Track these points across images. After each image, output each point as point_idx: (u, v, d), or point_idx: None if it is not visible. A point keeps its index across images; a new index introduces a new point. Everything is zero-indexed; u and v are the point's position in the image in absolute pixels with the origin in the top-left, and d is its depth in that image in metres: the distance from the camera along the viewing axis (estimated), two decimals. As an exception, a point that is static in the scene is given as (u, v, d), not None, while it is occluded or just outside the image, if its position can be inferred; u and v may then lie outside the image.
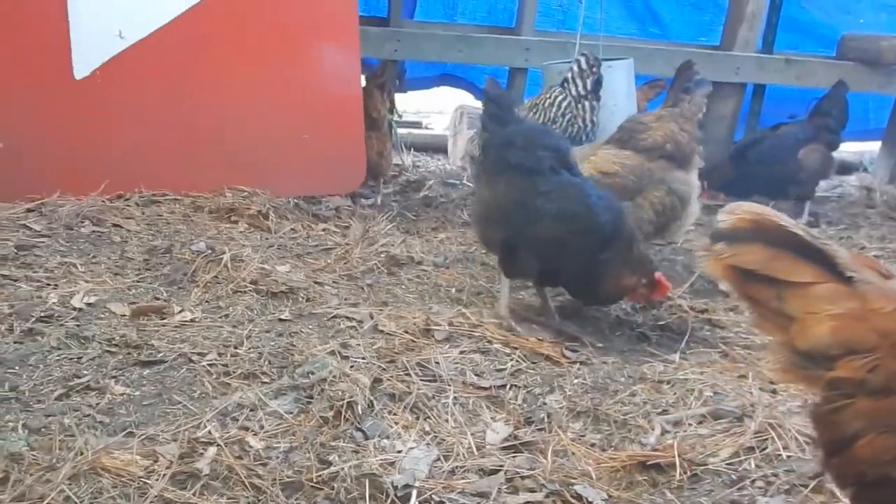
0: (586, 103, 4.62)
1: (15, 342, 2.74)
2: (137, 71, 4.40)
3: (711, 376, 2.85)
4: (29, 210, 3.97)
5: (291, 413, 2.44)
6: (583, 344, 3.17)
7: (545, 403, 2.66)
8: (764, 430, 2.40)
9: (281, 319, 3.13)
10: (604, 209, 3.21)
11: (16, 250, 3.47)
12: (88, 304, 3.08)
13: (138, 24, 4.38)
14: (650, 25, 6.61)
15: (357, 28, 4.82)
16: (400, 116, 5.90)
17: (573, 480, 2.22)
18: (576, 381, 2.82)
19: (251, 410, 2.43)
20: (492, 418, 2.55)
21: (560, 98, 4.67)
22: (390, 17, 5.93)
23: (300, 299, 3.34)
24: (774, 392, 2.76)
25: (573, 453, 2.38)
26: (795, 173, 5.51)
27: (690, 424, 2.52)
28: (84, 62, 4.33)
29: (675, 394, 2.73)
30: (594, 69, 4.57)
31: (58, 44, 4.26)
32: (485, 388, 2.72)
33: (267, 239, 4.02)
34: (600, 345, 3.18)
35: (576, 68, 4.63)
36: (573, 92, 4.62)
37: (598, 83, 4.60)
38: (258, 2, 4.60)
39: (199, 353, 2.75)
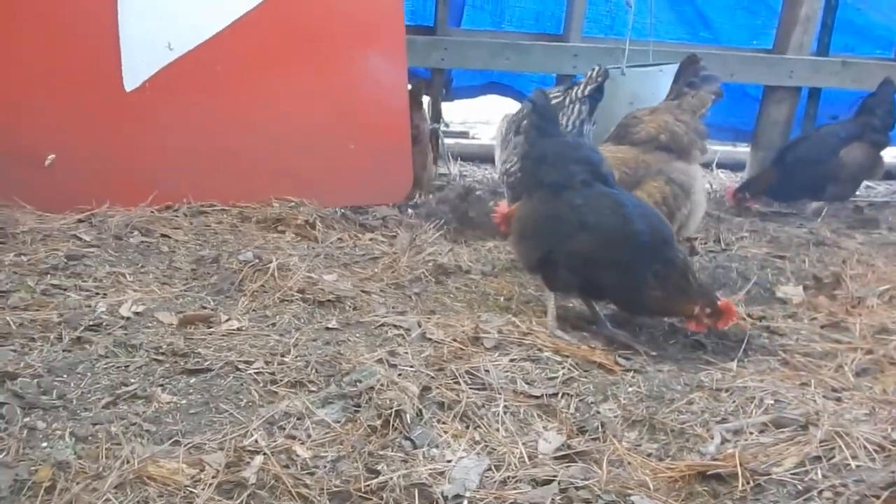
0: (577, 106, 4.45)
1: (64, 350, 2.73)
2: (186, 82, 4.42)
3: (772, 384, 2.74)
4: (79, 220, 3.99)
5: (339, 422, 2.39)
6: (636, 352, 3.08)
7: (599, 412, 2.59)
8: (830, 439, 2.29)
9: (328, 328, 3.09)
10: (639, 217, 3.13)
11: (66, 260, 3.49)
12: (136, 313, 3.08)
13: (187, 36, 4.40)
14: (700, 30, 6.48)
15: (403, 37, 4.80)
16: (447, 126, 5.86)
17: (630, 491, 2.15)
18: (630, 389, 2.73)
19: (298, 419, 2.39)
20: (544, 427, 2.48)
21: (553, 95, 4.53)
22: (437, 25, 5.90)
23: (347, 308, 3.30)
24: (839, 400, 2.66)
25: (629, 463, 2.30)
26: (836, 172, 5.39)
27: (751, 433, 2.42)
28: (134, 74, 4.36)
29: (734, 402, 2.63)
30: (599, 78, 4.39)
31: (109, 56, 4.30)
32: (536, 397, 2.64)
33: (314, 248, 4.00)
34: (654, 353, 3.09)
35: (586, 74, 4.48)
36: (572, 94, 4.50)
37: (598, 90, 4.36)
38: (305, 13, 4.59)
39: (245, 362, 2.72)
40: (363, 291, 3.49)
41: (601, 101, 4.38)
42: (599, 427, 2.47)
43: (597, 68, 4.38)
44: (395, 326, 3.12)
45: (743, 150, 7.05)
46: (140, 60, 4.36)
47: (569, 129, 4.34)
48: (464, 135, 7.95)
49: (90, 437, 2.25)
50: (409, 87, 5.39)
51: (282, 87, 4.58)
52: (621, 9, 6.03)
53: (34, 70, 4.24)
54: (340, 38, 4.66)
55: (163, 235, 3.94)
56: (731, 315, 3.08)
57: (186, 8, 4.42)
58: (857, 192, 5.93)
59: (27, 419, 2.31)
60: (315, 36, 4.62)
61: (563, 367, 2.85)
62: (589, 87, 4.31)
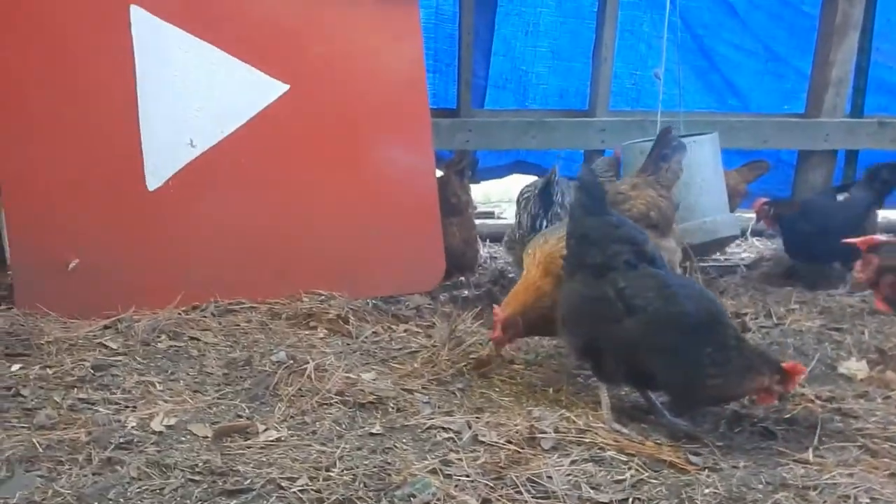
0: (531, 202, 4.45)
1: (94, 473, 2.54)
2: (209, 178, 4.32)
3: (863, 479, 2.51)
4: (105, 327, 3.85)
5: (395, 546, 2.18)
6: (703, 444, 2.85)
7: (675, 519, 2.37)
8: (945, 546, 2.06)
9: (372, 434, 2.89)
10: (686, 298, 2.94)
11: (93, 371, 3.33)
12: (168, 427, 2.90)
13: (210, 131, 4.31)
14: (729, 97, 6.39)
15: (429, 122, 4.72)
16: (474, 208, 5.75)
17: None
18: (707, 490, 2.50)
19: (350, 544, 2.18)
20: (618, 540, 2.26)
21: (527, 188, 4.64)
22: (460, 107, 5.83)
23: (390, 410, 3.10)
24: (941, 495, 2.42)
25: (719, 581, 2.07)
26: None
27: (854, 542, 2.20)
28: (156, 173, 4.27)
29: (824, 502, 2.40)
30: (552, 176, 4.42)
31: (130, 156, 4.21)
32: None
33: (349, 344, 3.82)
34: (720, 443, 2.86)
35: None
36: (534, 190, 4.51)
37: (546, 189, 4.40)
38: (328, 102, 4.50)
39: (288, 479, 2.51)
40: (405, 390, 3.30)
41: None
42: (679, 538, 2.25)
43: (553, 167, 4.51)
44: (443, 429, 2.91)
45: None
46: (162, 159, 4.27)
47: (523, 223, 4.46)
48: (489, 215, 7.81)
49: (125, 578, 2.05)
50: (450, 159, 5.32)
51: (307, 178, 4.47)
52: (647, 81, 5.96)
53: (54, 173, 4.15)
54: (365, 125, 4.57)
55: (191, 338, 3.78)
56: (799, 373, 2.88)
57: (208, 104, 4.34)
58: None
59: (56, 559, 2.12)
60: (339, 125, 4.53)
61: (629, 469, 2.63)
62: (539, 185, 4.47)
